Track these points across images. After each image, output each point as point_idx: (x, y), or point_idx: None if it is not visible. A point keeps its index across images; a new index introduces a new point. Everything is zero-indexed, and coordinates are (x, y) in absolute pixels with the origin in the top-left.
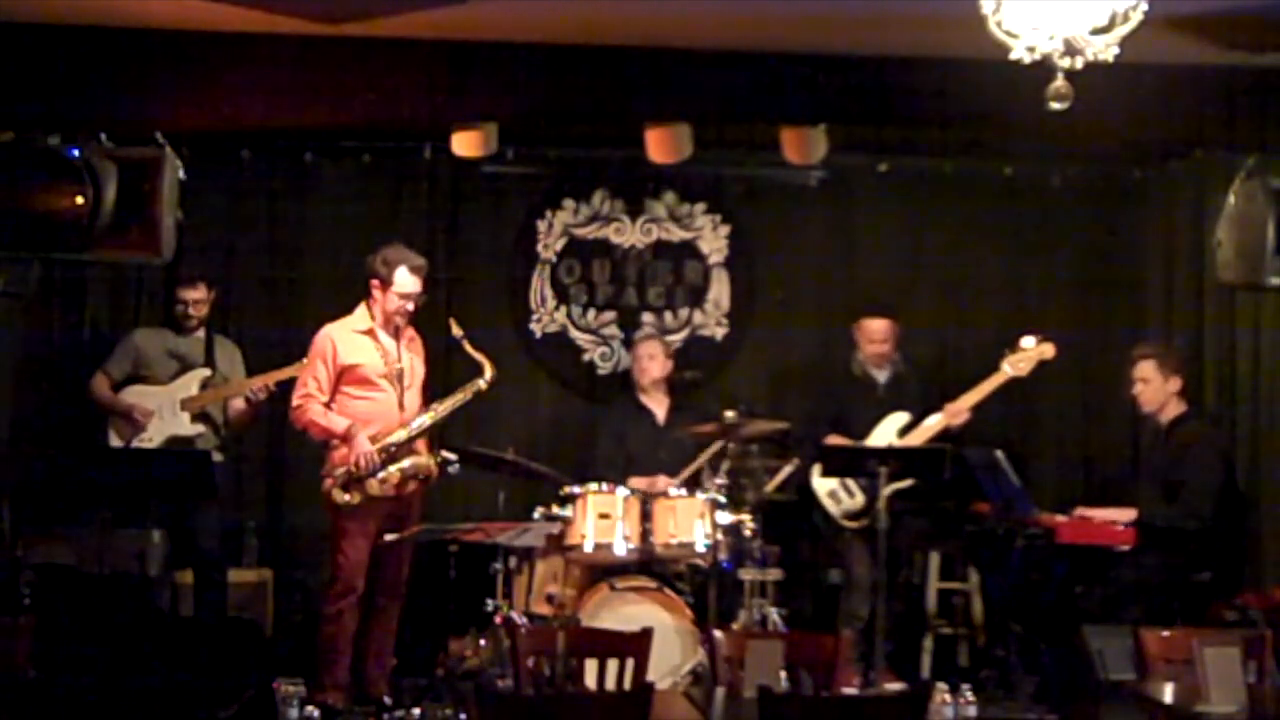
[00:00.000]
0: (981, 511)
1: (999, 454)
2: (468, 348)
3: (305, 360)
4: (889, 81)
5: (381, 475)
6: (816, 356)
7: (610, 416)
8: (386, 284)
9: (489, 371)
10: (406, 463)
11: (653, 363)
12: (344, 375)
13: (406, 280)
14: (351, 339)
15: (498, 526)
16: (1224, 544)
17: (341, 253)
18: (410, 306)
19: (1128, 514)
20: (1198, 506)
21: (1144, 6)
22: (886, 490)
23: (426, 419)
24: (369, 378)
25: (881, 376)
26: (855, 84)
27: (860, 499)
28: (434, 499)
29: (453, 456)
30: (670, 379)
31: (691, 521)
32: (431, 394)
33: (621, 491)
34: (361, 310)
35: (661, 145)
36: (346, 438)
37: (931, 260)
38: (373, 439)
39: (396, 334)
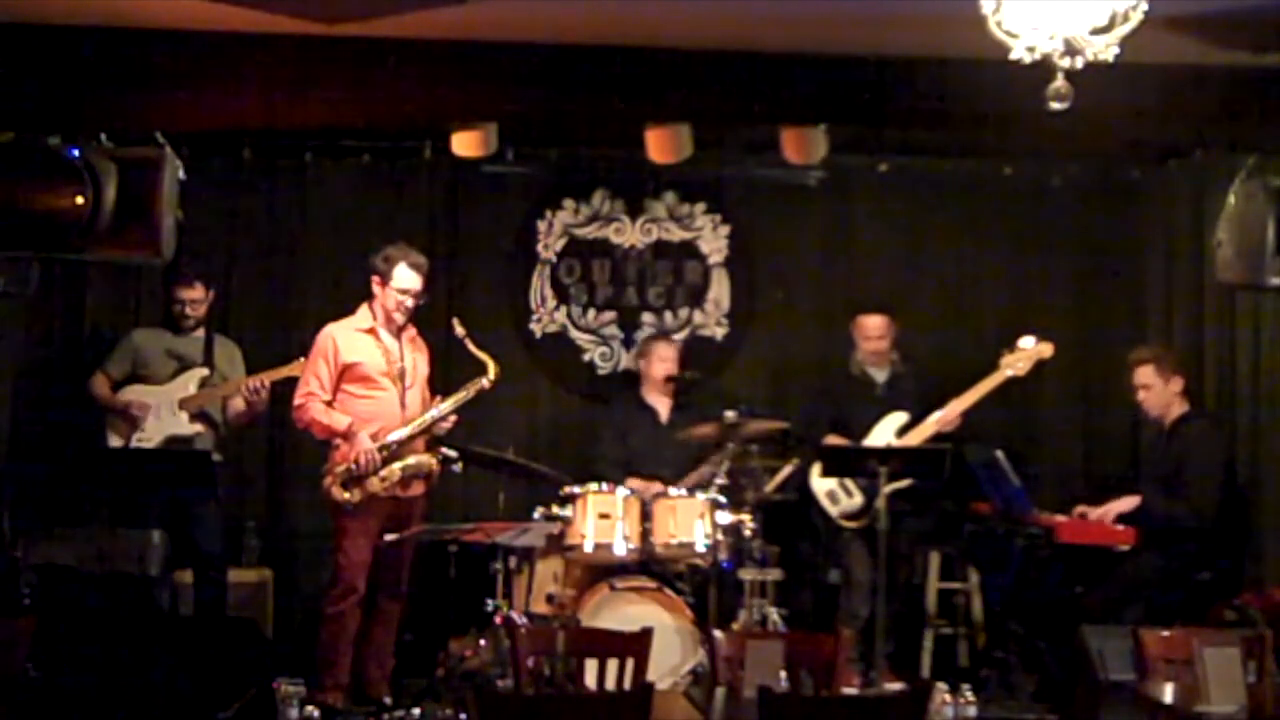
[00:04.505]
0: (981, 511)
1: (999, 454)
2: (470, 346)
3: (303, 359)
4: (889, 81)
5: (382, 473)
6: (816, 356)
7: (613, 414)
8: (386, 280)
9: (492, 370)
10: (410, 460)
11: (666, 364)
12: (345, 374)
13: (405, 276)
14: (353, 337)
15: (498, 526)
16: (1224, 544)
17: (341, 253)
18: (410, 303)
19: (1129, 502)
20: (1202, 505)
21: (1144, 6)
22: (885, 490)
23: (428, 418)
24: (370, 376)
25: (880, 376)
26: (855, 84)
27: (859, 499)
28: (434, 499)
29: (454, 454)
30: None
31: (691, 521)
32: (434, 392)
33: (621, 491)
34: (364, 310)
35: (661, 145)
36: (348, 435)
37: (931, 260)
38: (373, 437)
39: (398, 333)
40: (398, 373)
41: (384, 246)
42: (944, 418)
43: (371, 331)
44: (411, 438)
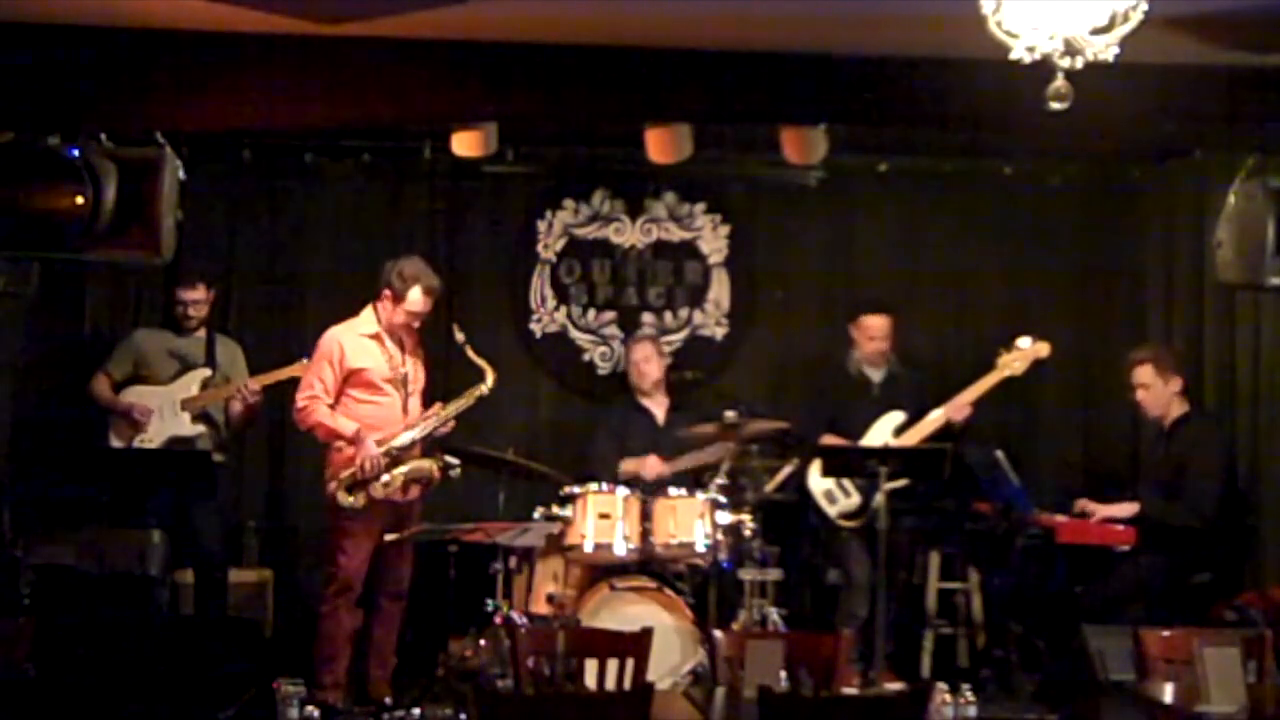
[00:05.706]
0: (981, 511)
1: (999, 454)
2: (470, 353)
3: (305, 360)
4: (889, 81)
5: (385, 479)
6: (816, 356)
7: (610, 417)
8: (399, 298)
9: (490, 377)
10: (408, 466)
11: (649, 364)
12: (350, 378)
13: (418, 300)
14: (359, 343)
15: (498, 526)
16: (1224, 544)
17: (341, 253)
18: (416, 324)
19: (1130, 508)
20: (1202, 505)
21: (1144, 6)
22: (883, 489)
23: (429, 425)
24: (375, 382)
25: (876, 376)
26: (855, 84)
27: (856, 499)
28: (434, 499)
29: (454, 461)
30: (669, 379)
31: (691, 521)
32: (431, 399)
33: (621, 491)
34: (368, 313)
35: (661, 145)
36: (355, 441)
37: (931, 260)
38: (379, 443)
39: (401, 340)
40: (401, 379)
41: (400, 260)
42: (956, 403)
43: (376, 337)
44: (413, 443)
